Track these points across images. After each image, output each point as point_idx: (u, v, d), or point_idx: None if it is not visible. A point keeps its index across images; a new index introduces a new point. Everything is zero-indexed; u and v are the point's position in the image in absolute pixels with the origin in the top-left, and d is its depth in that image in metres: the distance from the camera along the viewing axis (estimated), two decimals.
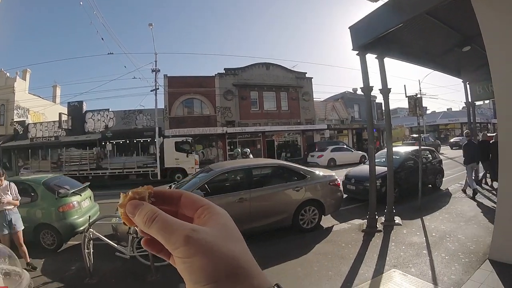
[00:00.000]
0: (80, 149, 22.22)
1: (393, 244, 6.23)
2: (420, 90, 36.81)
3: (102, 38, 32.82)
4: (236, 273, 0.49)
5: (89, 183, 9.12)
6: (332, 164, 22.06)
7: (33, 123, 31.17)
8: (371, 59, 7.53)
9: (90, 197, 8.61)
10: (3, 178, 5.80)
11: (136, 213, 0.54)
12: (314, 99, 36.01)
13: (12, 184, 5.98)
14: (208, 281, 0.47)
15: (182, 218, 0.55)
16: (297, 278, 5.05)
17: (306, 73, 35.55)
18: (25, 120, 30.88)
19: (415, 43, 7.99)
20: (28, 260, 5.97)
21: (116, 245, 5.62)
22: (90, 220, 5.52)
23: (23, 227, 5.95)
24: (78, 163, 19.97)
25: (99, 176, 19.49)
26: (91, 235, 5.34)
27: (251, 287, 0.49)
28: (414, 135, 36.67)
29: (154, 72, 26.65)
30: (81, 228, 7.08)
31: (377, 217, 7.31)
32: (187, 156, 20.95)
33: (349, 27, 7.31)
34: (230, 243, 0.52)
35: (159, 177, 20.07)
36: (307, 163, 24.89)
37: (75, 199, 7.65)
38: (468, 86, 11.67)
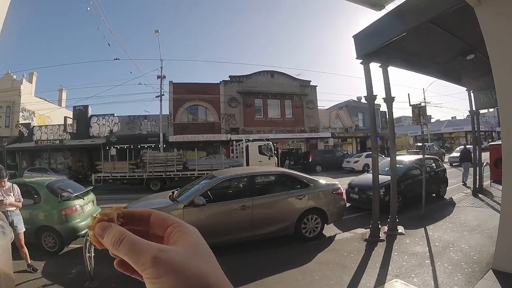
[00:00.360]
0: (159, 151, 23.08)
1: (395, 253, 6.18)
2: (425, 99, 36.90)
3: (109, 44, 33.39)
4: None
5: (92, 187, 9.11)
6: (366, 169, 22.22)
7: (38, 126, 31.38)
8: (375, 67, 7.53)
9: (92, 201, 8.63)
10: (6, 179, 5.81)
11: (104, 235, 0.53)
12: (319, 107, 36.13)
13: (15, 186, 5.99)
14: None
15: (154, 238, 0.57)
16: (298, 287, 5.02)
17: (311, 81, 35.73)
18: (30, 123, 31.11)
19: (419, 51, 7.98)
20: (29, 262, 5.97)
21: None
22: None
23: (24, 229, 5.95)
24: (164, 164, 20.00)
25: (187, 177, 19.53)
26: None
27: None
28: (419, 144, 36.62)
29: (160, 79, 26.85)
30: (83, 232, 7.13)
31: (380, 226, 7.26)
32: (269, 159, 21.87)
33: (353, 36, 7.32)
34: (200, 261, 0.51)
35: None
36: (342, 168, 26.39)
37: (77, 203, 7.66)
38: (472, 94, 11.63)
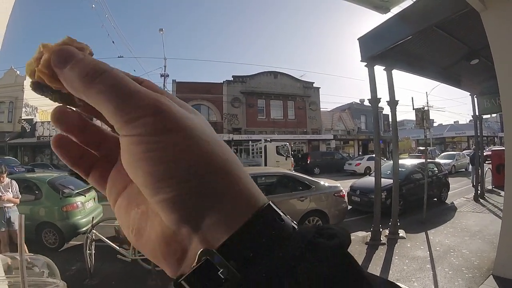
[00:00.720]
0: None
1: (396, 257, 6.16)
2: (428, 103, 36.77)
3: (113, 41, 33.40)
4: (228, 171, 0.32)
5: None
6: (368, 172, 22.35)
7: (41, 121, 31.43)
8: (379, 70, 7.52)
9: (94, 198, 8.62)
10: (4, 175, 5.82)
11: (70, 63, 0.32)
12: (321, 109, 36.22)
13: (14, 182, 6.00)
14: (185, 176, 0.30)
15: None
16: None
17: (314, 82, 35.88)
18: (33, 118, 31.16)
19: (423, 55, 7.96)
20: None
21: (118, 248, 5.60)
22: (93, 221, 5.53)
23: None
24: None
25: None
26: (93, 236, 5.35)
27: (247, 194, 0.33)
28: (421, 148, 36.55)
29: (163, 77, 26.88)
30: (84, 229, 7.10)
31: (381, 229, 7.24)
32: (286, 159, 22.47)
33: (358, 39, 7.31)
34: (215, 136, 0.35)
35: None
36: (343, 170, 26.30)
37: (79, 200, 7.67)
38: (475, 99, 11.58)
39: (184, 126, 0.31)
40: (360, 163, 25.46)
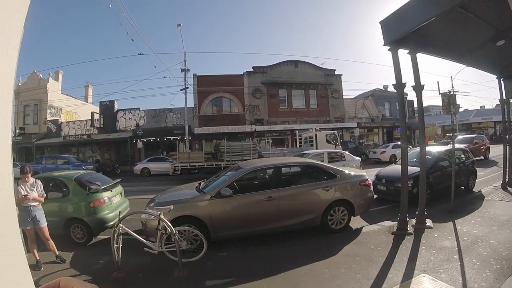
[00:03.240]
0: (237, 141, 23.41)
1: (423, 247, 6.05)
2: (453, 87, 35.92)
3: (132, 39, 33.76)
4: None
5: (120, 179, 9.24)
6: (393, 160, 22.70)
7: (66, 121, 32.32)
8: (403, 54, 7.34)
9: (121, 193, 8.79)
10: (29, 175, 5.95)
11: None
12: (344, 97, 35.94)
13: (38, 181, 6.13)
14: None
15: None
16: (324, 280, 4.97)
17: (336, 70, 35.54)
18: (58, 119, 32.11)
19: (447, 37, 7.73)
20: (57, 253, 6.12)
21: (144, 241, 5.67)
22: (120, 216, 5.60)
23: (46, 223, 6.06)
24: (240, 153, 20.57)
25: None
26: (120, 230, 5.42)
27: None
28: (450, 134, 35.99)
29: (184, 72, 27.15)
30: (111, 223, 7.25)
31: (408, 219, 7.12)
32: (335, 147, 22.55)
33: (380, 22, 7.13)
34: None
35: None
36: (369, 158, 27.12)
37: (106, 195, 7.81)
38: (502, 82, 11.20)
39: None
40: (385, 151, 25.52)
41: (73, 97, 36.59)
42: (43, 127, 31.56)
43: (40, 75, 32.85)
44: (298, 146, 26.13)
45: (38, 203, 5.96)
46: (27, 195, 5.74)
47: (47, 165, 22.87)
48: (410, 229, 7.01)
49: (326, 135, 23.84)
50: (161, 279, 5.31)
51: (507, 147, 11.54)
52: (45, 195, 6.17)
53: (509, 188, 10.82)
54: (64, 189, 7.54)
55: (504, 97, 11.42)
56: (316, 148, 21.97)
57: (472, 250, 5.76)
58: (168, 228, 5.35)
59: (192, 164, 20.30)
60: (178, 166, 20.46)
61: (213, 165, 20.17)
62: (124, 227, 5.52)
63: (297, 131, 27.87)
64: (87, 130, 30.67)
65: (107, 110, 30.83)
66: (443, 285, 4.57)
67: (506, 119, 12.01)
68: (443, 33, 7.34)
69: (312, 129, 25.63)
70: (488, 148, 23.90)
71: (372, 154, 27.30)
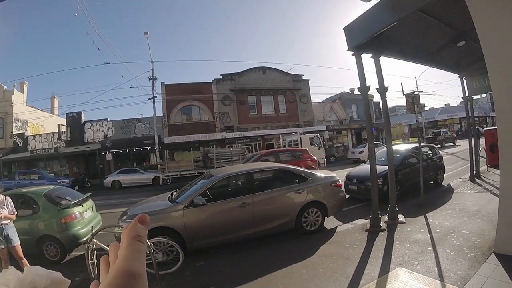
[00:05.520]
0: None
1: (397, 242, 6.21)
2: (417, 87, 37.04)
3: (98, 49, 32.94)
4: None
5: (90, 193, 9.05)
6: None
7: (32, 135, 31.30)
8: (367, 58, 7.54)
9: (92, 207, 8.58)
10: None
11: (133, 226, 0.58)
12: (312, 101, 36.38)
13: (8, 198, 5.95)
14: None
15: None
16: (302, 281, 5.03)
17: (303, 75, 35.89)
18: (24, 133, 30.99)
19: (410, 41, 8.00)
20: None
21: None
22: (93, 231, 5.50)
23: (19, 242, 5.89)
24: (230, 159, 20.62)
25: None
26: (94, 246, 5.31)
27: None
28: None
29: (152, 80, 26.87)
30: (84, 239, 7.04)
31: (380, 216, 7.28)
32: (319, 149, 23.98)
33: (344, 28, 7.32)
34: None
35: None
36: (347, 158, 28.90)
37: (77, 210, 7.61)
38: (465, 80, 11.65)
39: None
40: (363, 151, 26.13)
41: (39, 109, 35.41)
42: (10, 141, 30.42)
43: (5, 87, 31.55)
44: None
45: (9, 221, 5.79)
46: None
47: (21, 181, 21.86)
48: (383, 225, 7.18)
49: (310, 138, 24.47)
50: None
51: (473, 141, 11.96)
52: (16, 212, 5.99)
53: (477, 180, 11.24)
54: (34, 206, 7.32)
55: (467, 95, 11.87)
56: None
57: (445, 241, 5.96)
58: None
59: (183, 173, 20.24)
60: (168, 176, 20.39)
61: (203, 172, 19.99)
62: (98, 242, 5.41)
63: (280, 135, 28.63)
64: (54, 143, 29.69)
65: (74, 121, 30.00)
66: (420, 276, 4.70)
67: (470, 115, 12.47)
68: (405, 36, 7.59)
69: (296, 132, 26.41)
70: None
71: (350, 154, 28.78)
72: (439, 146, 34.28)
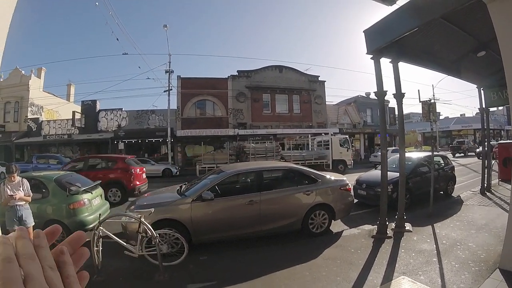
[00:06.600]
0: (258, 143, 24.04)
1: (403, 251, 6.16)
2: (434, 95, 36.61)
3: (117, 39, 33.33)
4: None
5: (100, 181, 9.14)
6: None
7: (46, 120, 31.62)
8: (385, 63, 7.47)
9: (101, 195, 8.68)
10: (15, 174, 5.85)
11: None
12: (327, 103, 36.14)
13: (25, 180, 6.03)
14: None
15: None
16: (305, 283, 5.02)
17: (319, 76, 35.69)
18: (38, 118, 31.36)
19: (429, 48, 7.90)
20: None
21: (125, 244, 5.61)
22: (100, 218, 5.54)
23: (33, 223, 5.99)
24: (264, 155, 21.19)
25: None
26: (100, 233, 5.36)
27: None
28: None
29: (168, 73, 26.98)
30: (91, 226, 7.12)
31: (387, 223, 7.23)
32: (347, 151, 24.94)
33: (364, 31, 7.25)
34: None
35: (331, 167, 22.82)
36: (369, 162, 29.45)
37: (86, 197, 7.71)
38: (482, 92, 11.48)
39: None
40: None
41: (55, 95, 35.86)
42: (24, 125, 30.84)
43: (23, 72, 32.06)
44: (311, 149, 27.05)
45: (24, 202, 5.88)
46: (13, 195, 5.65)
47: (39, 165, 21.80)
48: (389, 232, 7.12)
49: (340, 139, 25.03)
50: (142, 283, 5.28)
51: (486, 153, 11.81)
52: (31, 194, 6.09)
53: (487, 193, 11.09)
54: (44, 190, 7.41)
55: (484, 106, 11.69)
56: (331, 152, 23.96)
57: (450, 253, 5.89)
58: (149, 231, 5.32)
59: (218, 165, 20.17)
60: (205, 167, 20.58)
61: None
62: (104, 229, 5.45)
63: (309, 135, 28.87)
64: (68, 129, 30.05)
65: (89, 109, 30.31)
66: (422, 286, 4.66)
67: (485, 127, 12.30)
68: (425, 43, 7.49)
69: (327, 133, 27.03)
70: None
71: (372, 157, 29.36)
72: (462, 154, 34.16)
